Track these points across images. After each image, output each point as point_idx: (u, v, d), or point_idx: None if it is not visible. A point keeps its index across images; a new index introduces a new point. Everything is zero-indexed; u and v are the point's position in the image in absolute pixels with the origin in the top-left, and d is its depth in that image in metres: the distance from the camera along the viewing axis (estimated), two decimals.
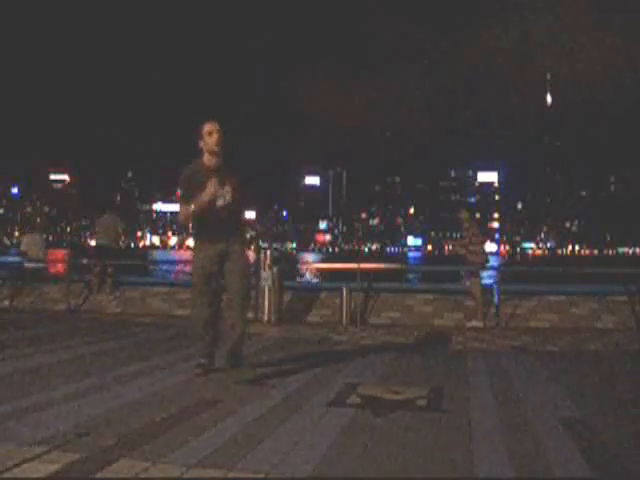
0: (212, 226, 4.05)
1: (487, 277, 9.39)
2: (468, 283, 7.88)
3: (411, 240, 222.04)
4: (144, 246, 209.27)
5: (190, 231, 4.25)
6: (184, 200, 4.09)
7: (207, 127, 4.07)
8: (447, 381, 4.08)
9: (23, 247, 10.34)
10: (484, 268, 8.10)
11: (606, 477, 2.36)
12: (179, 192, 4.13)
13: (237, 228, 4.15)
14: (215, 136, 4.04)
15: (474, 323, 7.56)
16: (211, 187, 3.92)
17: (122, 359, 4.71)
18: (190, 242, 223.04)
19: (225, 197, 4.02)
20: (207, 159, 4.10)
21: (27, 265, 10.18)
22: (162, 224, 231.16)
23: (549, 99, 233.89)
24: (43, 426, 2.80)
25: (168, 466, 2.31)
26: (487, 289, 8.10)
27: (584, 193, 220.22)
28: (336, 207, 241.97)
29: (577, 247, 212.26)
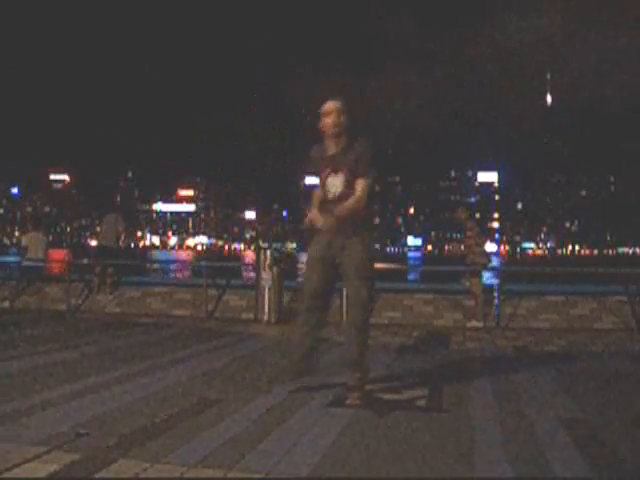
0: (327, 216, 3.49)
1: (487, 277, 9.39)
2: (468, 283, 7.88)
3: (411, 240, 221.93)
4: (144, 246, 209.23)
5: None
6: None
7: (325, 107, 3.52)
8: (447, 381, 4.07)
9: (24, 243, 10.33)
10: (486, 268, 8.11)
11: (606, 477, 2.36)
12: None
13: (354, 220, 3.48)
14: (331, 118, 3.50)
15: (474, 323, 7.57)
16: (317, 218, 3.49)
17: (122, 359, 4.71)
18: (190, 242, 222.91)
19: (337, 187, 3.50)
20: (328, 144, 3.58)
21: (25, 264, 10.17)
22: (162, 224, 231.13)
23: (549, 99, 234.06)
24: (43, 426, 2.80)
25: (168, 466, 2.31)
26: (487, 289, 8.11)
27: (584, 193, 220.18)
28: None
29: (577, 247, 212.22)
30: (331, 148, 3.59)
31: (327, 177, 3.55)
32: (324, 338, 6.33)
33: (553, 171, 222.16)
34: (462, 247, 8.15)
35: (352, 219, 3.49)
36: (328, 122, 3.52)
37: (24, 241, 10.38)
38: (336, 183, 3.52)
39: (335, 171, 3.53)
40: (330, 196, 3.54)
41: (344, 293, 7.82)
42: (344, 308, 7.80)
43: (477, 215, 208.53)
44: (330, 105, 3.53)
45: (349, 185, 3.49)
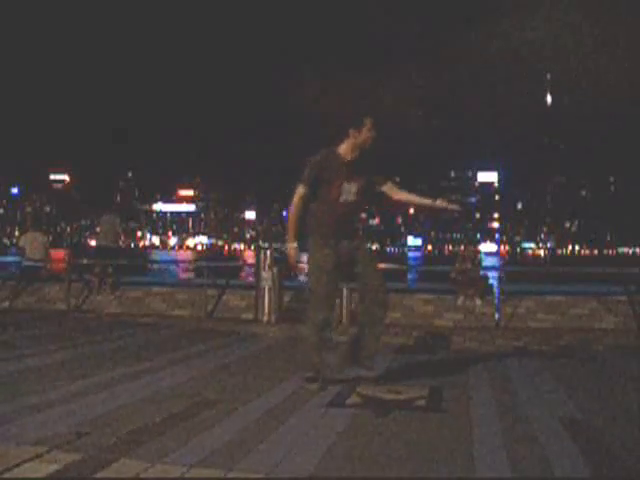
0: (332, 221, 3.80)
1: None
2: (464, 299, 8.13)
3: (411, 240, 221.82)
4: (144, 246, 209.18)
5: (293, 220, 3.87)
6: (304, 183, 3.82)
7: (373, 121, 3.86)
8: (447, 381, 4.07)
9: (21, 244, 10.34)
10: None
11: (606, 477, 2.36)
12: (305, 173, 3.85)
13: (355, 226, 3.98)
14: (374, 134, 3.86)
15: (477, 302, 7.84)
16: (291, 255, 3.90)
17: (122, 359, 4.71)
18: (190, 242, 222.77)
19: (349, 195, 3.83)
20: (347, 150, 3.88)
21: (25, 264, 10.17)
22: (162, 224, 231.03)
23: (549, 99, 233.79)
24: (43, 426, 2.80)
25: (168, 466, 2.31)
26: (488, 289, 8.17)
27: (584, 193, 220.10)
28: None
29: (577, 247, 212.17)
30: (351, 156, 3.88)
31: (343, 181, 3.82)
32: (327, 338, 6.35)
33: (553, 171, 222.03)
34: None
35: (354, 223, 3.95)
36: (369, 136, 3.86)
37: (22, 241, 10.39)
38: (352, 190, 3.84)
39: (349, 179, 3.83)
40: (342, 199, 3.82)
41: (344, 294, 7.83)
42: (344, 309, 7.81)
43: (477, 215, 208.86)
44: (375, 122, 3.88)
45: (359, 194, 3.89)
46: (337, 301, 7.39)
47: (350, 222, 3.91)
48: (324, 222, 3.82)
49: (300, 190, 3.83)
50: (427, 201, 4.18)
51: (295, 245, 3.85)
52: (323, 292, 3.80)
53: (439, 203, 4.11)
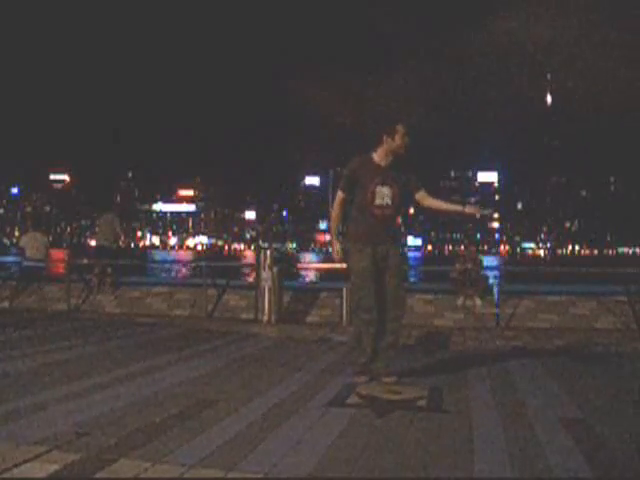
0: (369, 225, 3.98)
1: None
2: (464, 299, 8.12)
3: (411, 240, 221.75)
4: (144, 246, 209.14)
5: (334, 224, 4.14)
6: (342, 188, 4.09)
7: (406, 128, 4.01)
8: (447, 381, 4.07)
9: (21, 244, 10.36)
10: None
11: (606, 477, 2.36)
12: (342, 179, 4.09)
13: (393, 231, 4.08)
14: (407, 140, 4.01)
15: (477, 301, 7.83)
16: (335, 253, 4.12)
17: (122, 359, 4.71)
18: (190, 242, 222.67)
19: (384, 198, 3.96)
20: (382, 157, 4.04)
21: (25, 264, 10.18)
22: (162, 224, 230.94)
23: (549, 99, 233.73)
24: (43, 426, 2.80)
25: (168, 466, 2.31)
26: (488, 289, 8.17)
27: (584, 193, 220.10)
28: None
29: (577, 247, 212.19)
30: (385, 162, 4.03)
31: (377, 186, 3.97)
32: (326, 338, 6.35)
33: (553, 171, 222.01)
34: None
35: (394, 227, 4.07)
36: (403, 142, 4.00)
37: (22, 241, 10.41)
38: (386, 194, 3.97)
39: (383, 183, 3.96)
40: (378, 202, 3.96)
41: (344, 294, 7.83)
42: (344, 309, 7.81)
43: (477, 215, 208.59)
44: (407, 129, 4.01)
45: (395, 198, 3.99)
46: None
47: (386, 226, 4.00)
48: (360, 226, 4.00)
49: (339, 195, 4.09)
50: (458, 208, 4.24)
51: (338, 246, 4.10)
52: (364, 295, 3.93)
53: (468, 210, 4.16)
